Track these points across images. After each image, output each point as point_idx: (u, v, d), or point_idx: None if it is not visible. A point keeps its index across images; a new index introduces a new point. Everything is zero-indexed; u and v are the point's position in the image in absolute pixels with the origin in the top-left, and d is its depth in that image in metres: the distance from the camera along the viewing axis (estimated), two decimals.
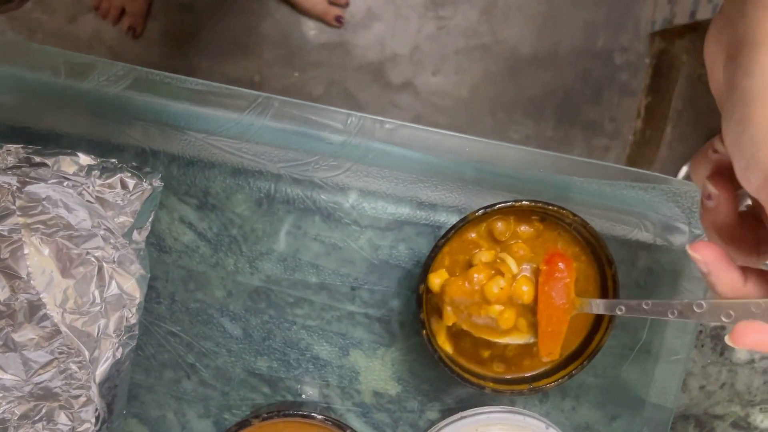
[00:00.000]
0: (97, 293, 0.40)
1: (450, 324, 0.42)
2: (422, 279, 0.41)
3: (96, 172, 0.42)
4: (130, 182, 0.42)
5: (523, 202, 0.41)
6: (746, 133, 0.26)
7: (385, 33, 1.18)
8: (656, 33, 1.19)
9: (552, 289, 0.39)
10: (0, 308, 0.38)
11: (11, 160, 0.41)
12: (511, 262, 0.41)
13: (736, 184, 0.29)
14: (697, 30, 1.09)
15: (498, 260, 0.41)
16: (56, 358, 0.39)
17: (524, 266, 0.41)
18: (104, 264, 0.41)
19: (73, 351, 0.39)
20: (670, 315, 0.33)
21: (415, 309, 0.42)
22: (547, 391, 0.48)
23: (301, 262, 0.46)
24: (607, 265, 0.42)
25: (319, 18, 1.16)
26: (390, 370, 0.48)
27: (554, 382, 0.43)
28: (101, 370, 0.41)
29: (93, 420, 0.40)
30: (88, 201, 0.41)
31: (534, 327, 0.41)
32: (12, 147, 0.42)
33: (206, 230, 0.46)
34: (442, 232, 0.42)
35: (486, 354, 0.44)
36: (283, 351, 0.47)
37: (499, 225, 0.42)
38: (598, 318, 0.43)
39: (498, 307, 0.40)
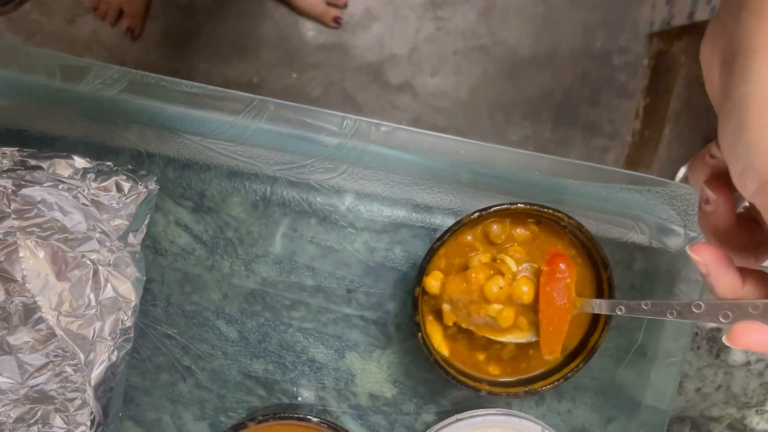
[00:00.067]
0: (92, 296, 0.40)
1: (450, 323, 0.42)
2: (418, 281, 0.41)
3: (91, 175, 0.42)
4: (126, 185, 0.42)
5: (519, 205, 0.41)
6: (741, 139, 0.26)
7: (383, 34, 1.18)
8: (654, 34, 1.19)
9: (553, 289, 0.39)
10: None
11: (6, 163, 0.41)
12: (511, 262, 0.41)
13: (733, 188, 0.29)
14: (695, 31, 1.09)
15: (498, 260, 0.41)
16: (51, 361, 0.39)
17: (523, 267, 0.41)
18: (100, 267, 0.41)
19: (68, 354, 0.39)
20: (669, 315, 0.34)
21: (410, 311, 0.42)
22: (543, 394, 0.48)
23: (297, 264, 0.46)
24: (602, 267, 0.42)
25: (318, 19, 1.16)
26: (386, 372, 0.48)
27: (550, 384, 0.43)
28: (97, 372, 0.41)
29: (88, 423, 0.40)
30: (83, 204, 0.41)
31: (534, 325, 0.41)
32: (7, 150, 0.42)
33: (202, 233, 0.46)
34: (438, 234, 0.42)
35: (482, 357, 0.44)
36: (279, 353, 0.47)
37: (495, 228, 0.42)
38: (594, 320, 0.43)
39: (497, 306, 0.40)
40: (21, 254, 0.39)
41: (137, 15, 1.13)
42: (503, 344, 0.44)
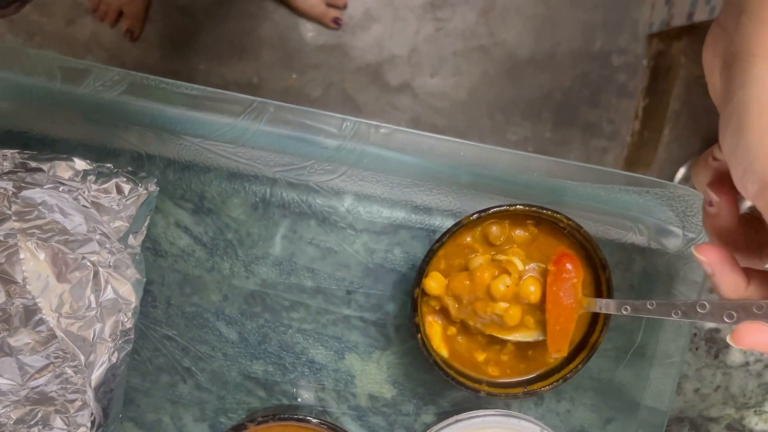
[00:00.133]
0: (92, 298, 0.41)
1: (458, 320, 0.42)
2: (417, 283, 0.41)
3: (92, 177, 0.42)
4: (126, 187, 0.42)
5: (518, 206, 0.41)
6: (741, 142, 0.26)
7: (383, 35, 1.19)
8: (654, 35, 1.19)
9: (560, 289, 0.40)
10: None
11: (7, 165, 0.41)
12: (518, 261, 0.41)
13: (736, 190, 0.30)
14: (694, 32, 1.09)
15: (504, 259, 0.42)
16: (52, 363, 0.40)
17: (530, 266, 0.42)
18: (100, 268, 0.41)
19: (68, 355, 0.40)
20: (674, 315, 0.34)
21: (410, 313, 0.42)
22: (542, 395, 0.48)
23: (297, 266, 0.46)
24: (601, 268, 0.42)
25: (317, 20, 1.16)
26: (385, 373, 0.48)
27: (549, 385, 0.43)
28: (97, 374, 0.41)
29: (89, 424, 0.40)
30: (83, 206, 0.41)
31: (541, 325, 0.41)
32: (8, 152, 0.42)
33: (202, 234, 0.46)
34: (437, 235, 0.42)
35: (481, 358, 0.44)
36: (279, 355, 0.47)
37: (494, 229, 0.42)
38: (593, 321, 0.43)
39: (503, 305, 0.40)
40: (22, 256, 0.39)
41: (137, 16, 1.13)
42: (502, 345, 0.44)
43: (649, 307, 0.36)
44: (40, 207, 0.40)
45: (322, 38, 1.18)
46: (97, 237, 0.41)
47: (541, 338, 0.42)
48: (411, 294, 0.42)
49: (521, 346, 0.44)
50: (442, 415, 0.48)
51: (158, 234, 0.46)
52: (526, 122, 1.20)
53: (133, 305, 0.42)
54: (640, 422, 0.49)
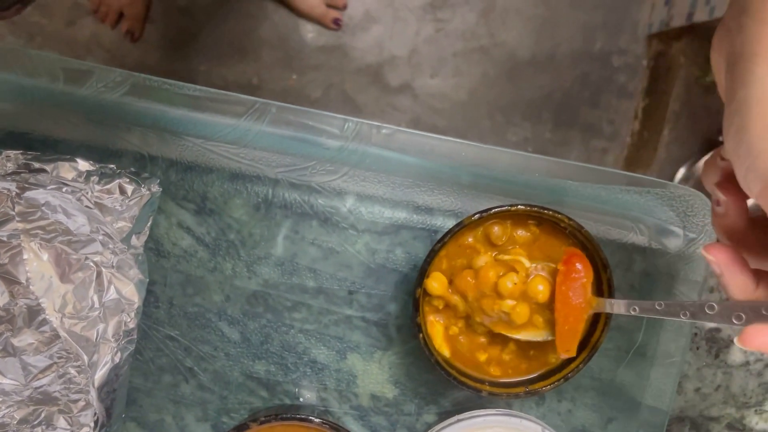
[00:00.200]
0: (95, 298, 0.41)
1: (464, 316, 0.42)
2: (419, 283, 0.42)
3: (95, 178, 0.42)
4: (129, 187, 0.43)
5: (519, 207, 0.41)
6: (744, 142, 0.27)
7: (383, 36, 1.19)
8: (653, 35, 1.20)
9: (569, 289, 0.40)
10: None
11: (10, 166, 0.42)
12: (525, 259, 0.41)
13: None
14: (694, 32, 1.09)
15: (510, 258, 0.42)
16: (55, 363, 0.40)
17: (538, 265, 0.42)
18: (103, 269, 0.41)
19: (71, 355, 0.40)
20: (682, 316, 0.34)
21: (411, 313, 0.42)
22: (543, 394, 0.49)
23: (299, 266, 0.47)
24: (602, 269, 0.42)
25: (318, 21, 1.17)
26: (387, 373, 0.48)
27: (550, 385, 0.43)
28: (100, 374, 0.41)
29: (92, 424, 0.40)
30: (86, 206, 0.41)
31: (550, 324, 0.41)
32: (11, 153, 0.42)
33: (204, 235, 0.46)
34: (439, 236, 0.42)
35: (483, 357, 0.44)
36: (281, 355, 0.47)
37: (496, 229, 0.42)
38: (594, 320, 0.44)
39: (510, 302, 0.40)
40: (25, 256, 0.39)
41: (137, 17, 1.14)
42: (504, 345, 0.44)
43: (657, 308, 0.35)
44: (43, 208, 0.40)
45: (322, 39, 1.18)
46: (100, 237, 0.41)
47: (549, 338, 0.42)
48: (413, 294, 0.42)
49: (523, 346, 0.44)
50: (444, 415, 0.48)
51: (161, 234, 0.46)
52: (527, 123, 1.20)
53: (135, 305, 0.42)
54: (640, 422, 0.49)
